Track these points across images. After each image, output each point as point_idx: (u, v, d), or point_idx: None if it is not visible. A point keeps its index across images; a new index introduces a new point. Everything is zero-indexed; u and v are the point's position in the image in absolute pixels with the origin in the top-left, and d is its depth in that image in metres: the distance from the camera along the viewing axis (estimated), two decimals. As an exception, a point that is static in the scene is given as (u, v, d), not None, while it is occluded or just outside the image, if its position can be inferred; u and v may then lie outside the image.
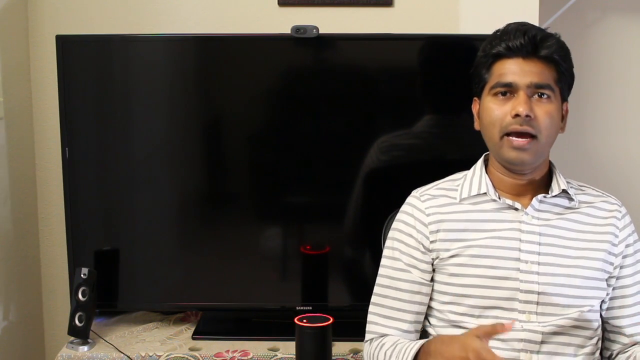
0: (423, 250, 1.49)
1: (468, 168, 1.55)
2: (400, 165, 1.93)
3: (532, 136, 1.39)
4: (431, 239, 1.48)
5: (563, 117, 1.47)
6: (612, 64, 2.24)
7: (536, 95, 1.41)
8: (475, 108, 1.51)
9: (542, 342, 1.42)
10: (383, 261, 1.54)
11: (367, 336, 1.54)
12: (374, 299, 1.54)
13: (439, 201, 1.50)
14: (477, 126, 1.50)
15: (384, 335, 1.51)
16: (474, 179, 1.50)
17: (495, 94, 1.43)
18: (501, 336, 1.40)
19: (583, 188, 1.53)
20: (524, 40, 1.40)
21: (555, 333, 1.42)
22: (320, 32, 1.87)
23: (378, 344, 1.49)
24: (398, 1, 2.10)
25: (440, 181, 1.55)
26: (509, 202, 1.46)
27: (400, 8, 2.10)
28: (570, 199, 1.48)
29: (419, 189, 1.55)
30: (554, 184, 1.48)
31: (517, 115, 1.38)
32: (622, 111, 2.27)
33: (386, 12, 2.11)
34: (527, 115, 1.38)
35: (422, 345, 1.39)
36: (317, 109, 1.96)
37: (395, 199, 1.60)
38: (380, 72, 1.96)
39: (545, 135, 1.41)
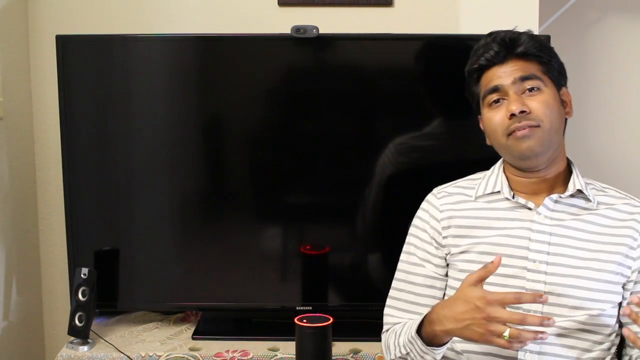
0: (436, 245, 1.52)
1: (487, 168, 1.57)
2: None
3: (534, 125, 1.41)
4: (443, 235, 1.51)
5: (564, 103, 1.49)
6: (612, 64, 2.24)
7: (527, 91, 1.44)
8: (481, 125, 1.54)
9: (543, 343, 1.41)
10: (401, 256, 1.58)
11: (384, 327, 1.57)
12: (391, 292, 1.57)
13: (454, 198, 1.53)
14: (488, 141, 1.53)
15: (397, 324, 1.53)
16: (491, 177, 1.53)
17: (490, 104, 1.47)
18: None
19: (606, 190, 1.52)
20: (497, 47, 1.46)
21: (558, 335, 1.41)
22: (320, 32, 1.87)
23: (391, 331, 1.52)
24: (398, 1, 2.10)
25: (461, 180, 1.59)
26: (522, 201, 1.47)
27: (400, 8, 2.11)
28: (588, 200, 1.47)
29: (439, 186, 1.58)
30: (570, 184, 1.47)
31: (512, 115, 1.41)
32: (622, 111, 2.27)
33: (386, 12, 2.11)
34: (521, 112, 1.41)
35: (425, 316, 1.39)
36: (317, 109, 1.96)
37: (413, 200, 1.61)
38: (380, 72, 1.96)
39: (548, 123, 1.42)
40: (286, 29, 1.88)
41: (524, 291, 1.40)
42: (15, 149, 2.06)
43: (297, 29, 1.87)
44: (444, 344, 1.37)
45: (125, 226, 1.99)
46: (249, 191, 2.02)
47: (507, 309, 1.32)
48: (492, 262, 1.29)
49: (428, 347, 1.37)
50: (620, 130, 2.27)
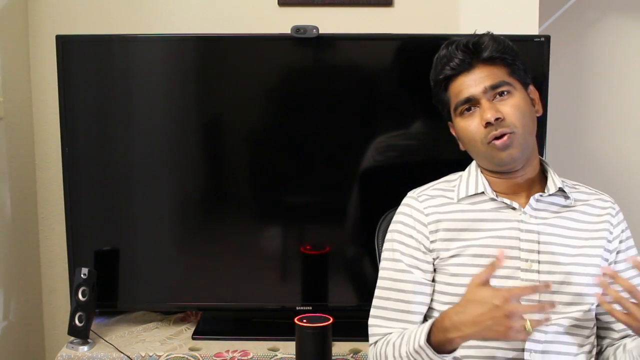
0: (424, 250, 1.49)
1: (464, 169, 1.56)
2: (396, 165, 1.94)
3: (511, 132, 1.42)
4: (431, 239, 1.48)
5: (533, 101, 1.49)
6: (612, 64, 2.24)
7: (497, 96, 1.44)
8: (453, 132, 1.54)
9: (545, 342, 1.41)
10: (383, 264, 1.53)
11: (372, 339, 1.52)
12: (375, 301, 1.52)
13: (437, 201, 1.51)
14: (462, 147, 1.53)
15: (388, 334, 1.49)
16: (470, 179, 1.52)
17: (462, 113, 1.47)
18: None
19: (577, 186, 1.54)
20: (461, 56, 1.45)
21: (557, 332, 1.42)
22: (320, 32, 1.87)
23: (384, 342, 1.47)
24: (398, 1, 2.11)
25: (436, 182, 1.56)
26: (507, 201, 1.47)
27: (400, 8, 2.11)
28: (566, 197, 1.49)
29: (415, 190, 1.56)
30: (549, 183, 1.48)
31: (488, 124, 1.41)
32: (622, 111, 2.27)
33: (386, 12, 2.11)
34: (496, 119, 1.41)
35: (433, 324, 1.35)
36: (317, 109, 1.96)
37: (391, 199, 1.60)
38: (380, 72, 1.96)
39: (522, 126, 1.42)
40: (286, 29, 1.88)
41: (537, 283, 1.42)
42: (15, 149, 2.06)
43: (297, 29, 1.87)
44: (454, 350, 1.34)
45: (125, 226, 1.99)
46: (249, 191, 2.02)
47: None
48: (497, 258, 1.29)
49: (439, 355, 1.33)
50: (620, 130, 2.28)
